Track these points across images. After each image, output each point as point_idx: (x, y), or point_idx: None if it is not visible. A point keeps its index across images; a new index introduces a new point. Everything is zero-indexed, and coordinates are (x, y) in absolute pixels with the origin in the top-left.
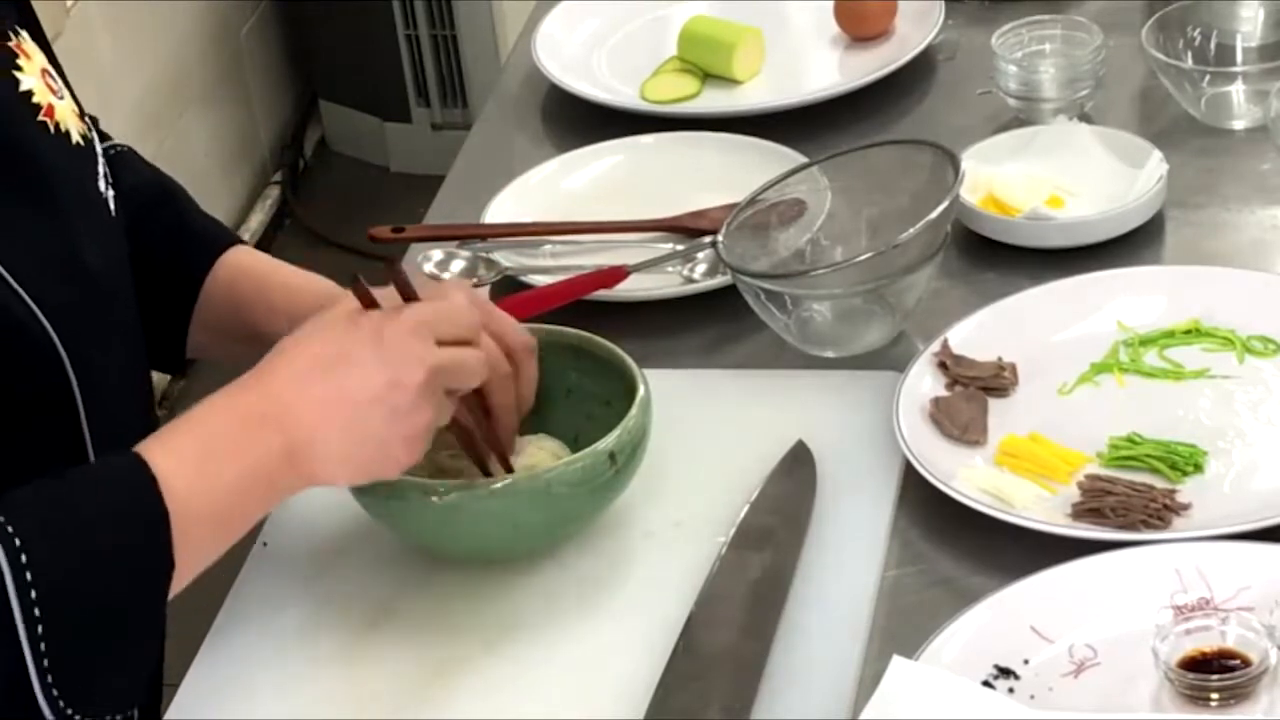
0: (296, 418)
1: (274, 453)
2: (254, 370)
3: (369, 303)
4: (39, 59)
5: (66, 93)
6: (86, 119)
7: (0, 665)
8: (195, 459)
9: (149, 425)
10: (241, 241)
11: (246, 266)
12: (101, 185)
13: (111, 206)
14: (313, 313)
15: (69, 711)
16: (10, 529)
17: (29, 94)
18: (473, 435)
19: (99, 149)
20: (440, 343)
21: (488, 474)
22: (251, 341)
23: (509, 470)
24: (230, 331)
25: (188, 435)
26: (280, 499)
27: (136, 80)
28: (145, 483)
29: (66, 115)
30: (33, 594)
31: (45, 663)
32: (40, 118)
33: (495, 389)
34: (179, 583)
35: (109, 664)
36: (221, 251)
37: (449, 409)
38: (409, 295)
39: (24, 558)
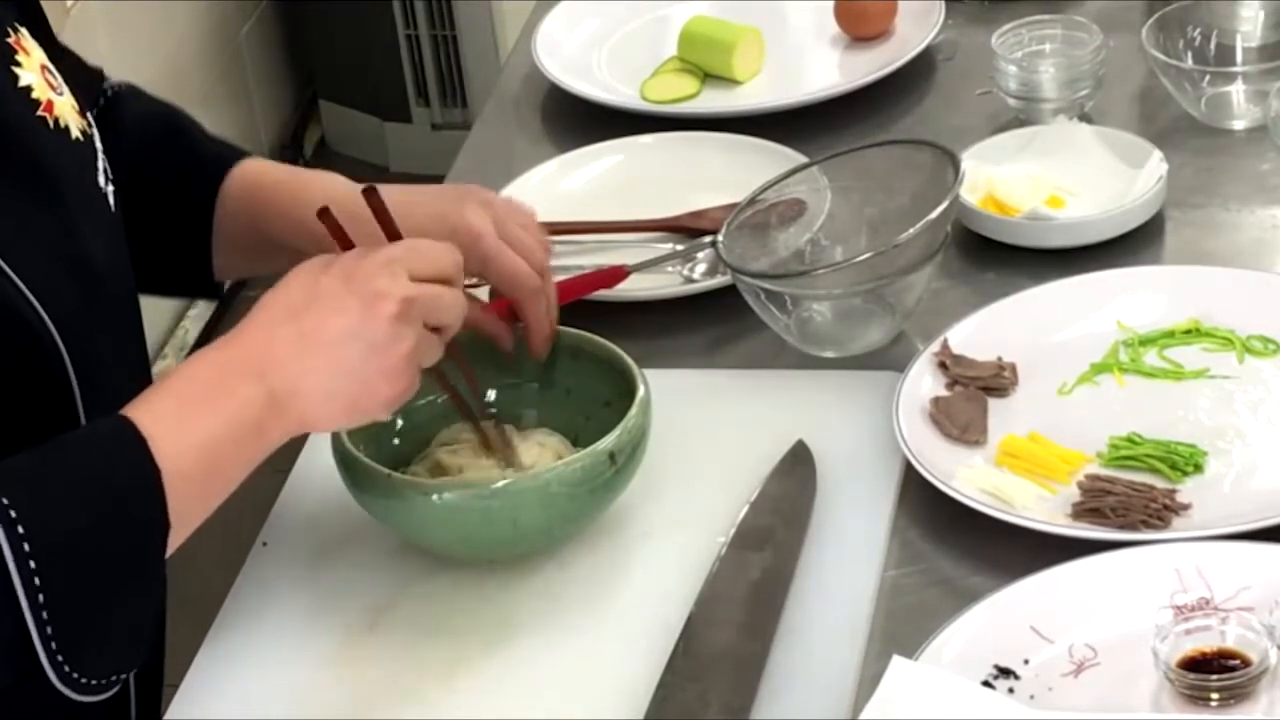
0: (274, 363)
1: (256, 401)
2: (234, 328)
3: (344, 240)
4: (38, 55)
5: (66, 89)
6: (87, 116)
7: (2, 631)
8: (178, 415)
9: None
10: (250, 154)
11: (257, 177)
12: (101, 180)
13: (111, 201)
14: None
15: (72, 673)
16: (4, 499)
17: (28, 89)
18: (455, 391)
19: (99, 145)
20: (416, 279)
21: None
22: (272, 252)
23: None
24: (250, 245)
25: (169, 394)
26: (272, 446)
27: (136, 80)
28: (134, 442)
29: (66, 111)
30: (31, 562)
31: (47, 629)
32: (40, 113)
33: (526, 302)
34: (175, 539)
35: (109, 624)
36: (230, 167)
37: (435, 347)
38: (389, 229)
39: (20, 527)
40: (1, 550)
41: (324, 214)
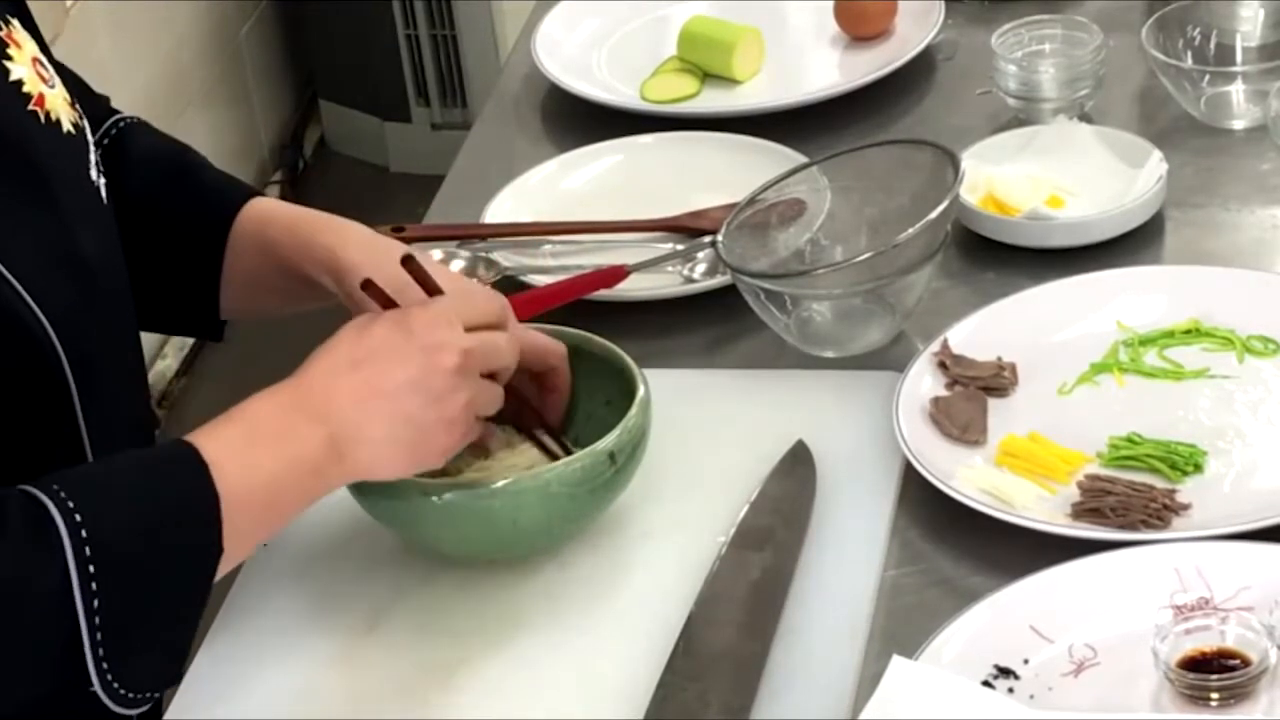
0: (337, 410)
1: (317, 444)
2: (292, 375)
3: (387, 303)
4: (30, 48)
5: (58, 81)
6: (78, 107)
7: (58, 636)
8: (241, 447)
9: (144, 414)
10: (260, 193)
11: (270, 213)
12: (93, 174)
13: (103, 194)
14: (343, 248)
15: (114, 684)
16: (71, 504)
17: (19, 83)
18: (524, 414)
19: (90, 138)
20: (469, 329)
21: (547, 450)
22: (285, 286)
23: (562, 448)
24: (262, 280)
25: (234, 426)
26: (329, 489)
27: (136, 80)
28: (198, 466)
29: (58, 104)
30: (91, 568)
31: (98, 635)
32: (31, 107)
33: (558, 370)
34: (224, 566)
35: (156, 641)
36: (240, 205)
37: (495, 394)
38: (430, 288)
39: (84, 533)
40: (65, 556)
41: (368, 285)
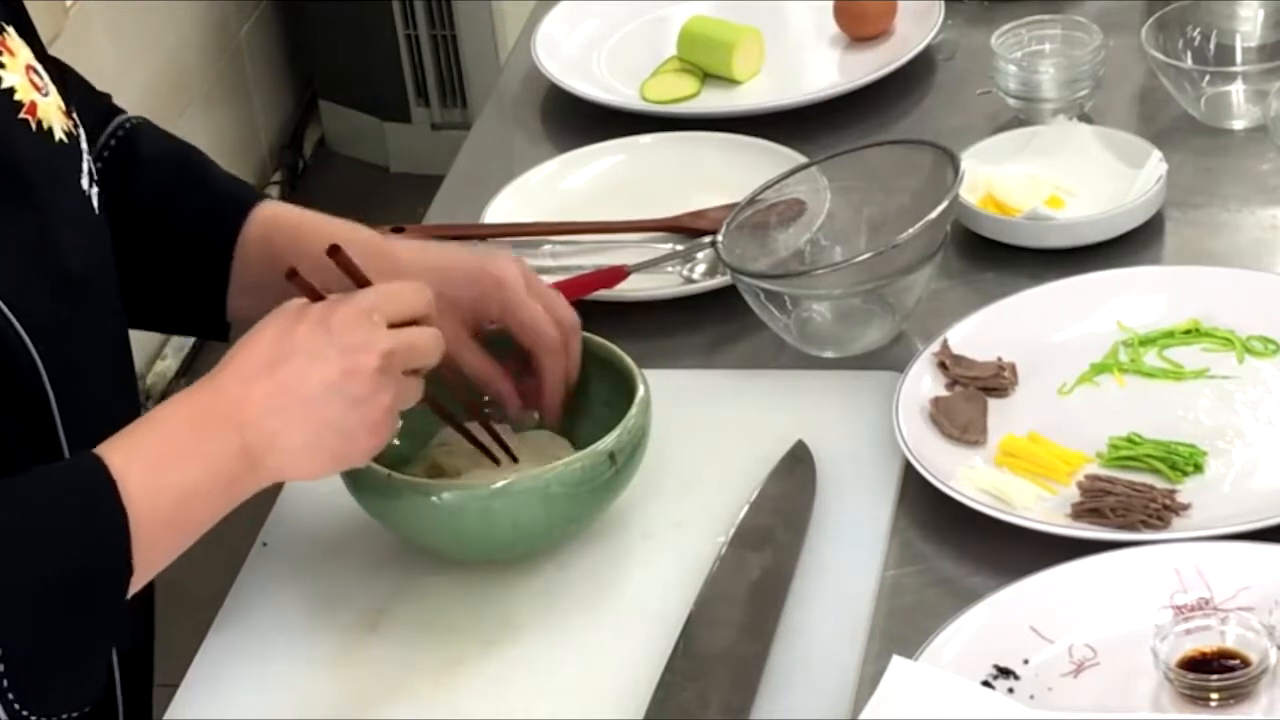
0: (251, 417)
1: (231, 453)
2: (208, 374)
3: (314, 296)
4: (24, 55)
5: (53, 89)
6: (74, 115)
7: None
8: (152, 461)
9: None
10: (266, 196)
11: (276, 219)
12: (85, 183)
13: (95, 203)
14: (357, 254)
15: (24, 713)
16: None
17: (10, 91)
18: (449, 413)
19: (84, 146)
20: (392, 325)
21: (486, 452)
22: (290, 293)
23: (497, 457)
24: (269, 286)
25: (145, 437)
26: (244, 497)
27: (136, 80)
28: (104, 484)
29: (50, 113)
30: None
31: (3, 668)
32: (21, 115)
33: (544, 359)
34: (137, 583)
35: (66, 665)
36: (249, 209)
37: (414, 388)
38: (358, 279)
39: None
40: None
41: (334, 251)
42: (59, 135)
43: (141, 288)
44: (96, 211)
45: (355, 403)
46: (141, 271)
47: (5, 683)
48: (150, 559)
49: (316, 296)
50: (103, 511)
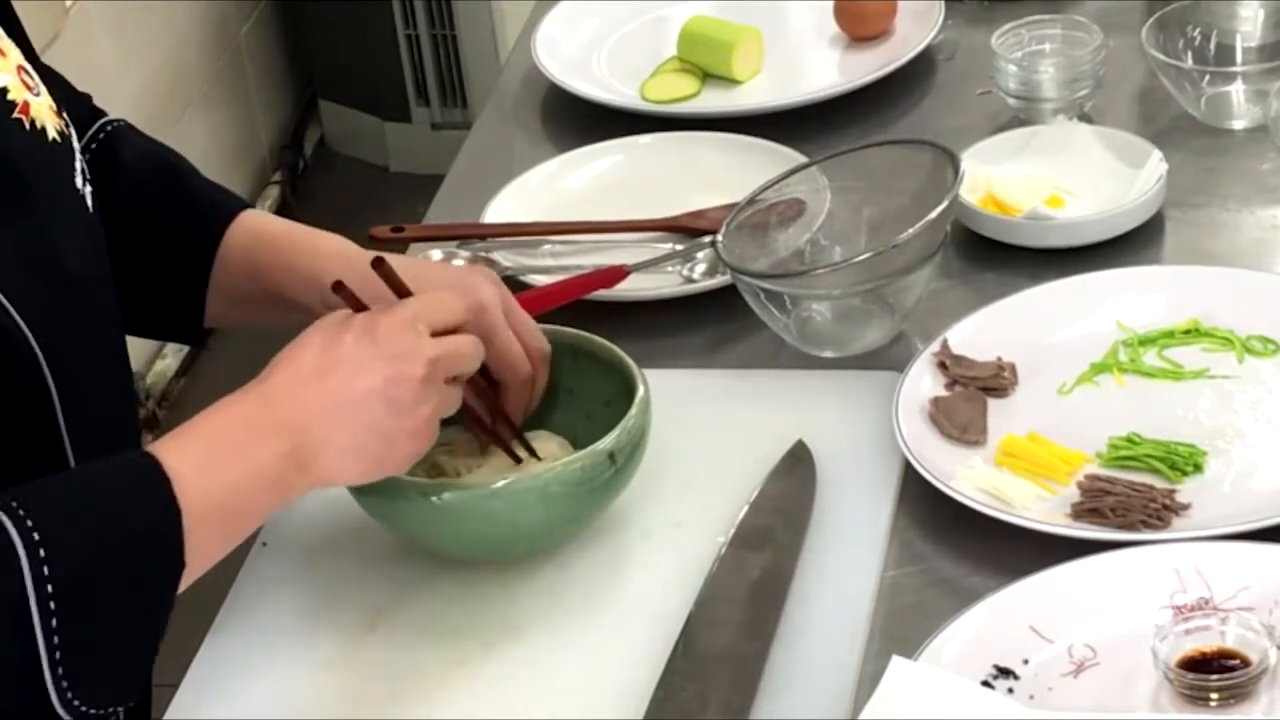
0: (300, 421)
1: (280, 455)
2: (256, 379)
3: (358, 306)
4: (14, 55)
5: (44, 89)
6: (65, 115)
7: (15, 654)
8: (204, 460)
9: (130, 423)
10: (250, 205)
11: (260, 230)
12: (79, 182)
13: (89, 203)
14: (331, 271)
15: (74, 701)
16: (30, 521)
17: (3, 91)
18: (481, 418)
19: (76, 145)
20: (434, 333)
21: (510, 453)
22: (272, 306)
23: (520, 456)
24: (249, 297)
25: (196, 437)
26: (292, 499)
27: (135, 80)
28: (159, 480)
29: (43, 112)
30: (49, 586)
31: (56, 654)
32: (15, 115)
33: (512, 388)
34: (186, 580)
35: (116, 656)
36: (231, 218)
37: (454, 397)
38: (399, 289)
39: (42, 551)
40: (23, 575)
41: (339, 288)
42: (52, 135)
43: (120, 289)
44: (90, 210)
45: (400, 409)
46: (120, 273)
47: (60, 670)
48: (200, 557)
49: (360, 307)
50: (158, 508)
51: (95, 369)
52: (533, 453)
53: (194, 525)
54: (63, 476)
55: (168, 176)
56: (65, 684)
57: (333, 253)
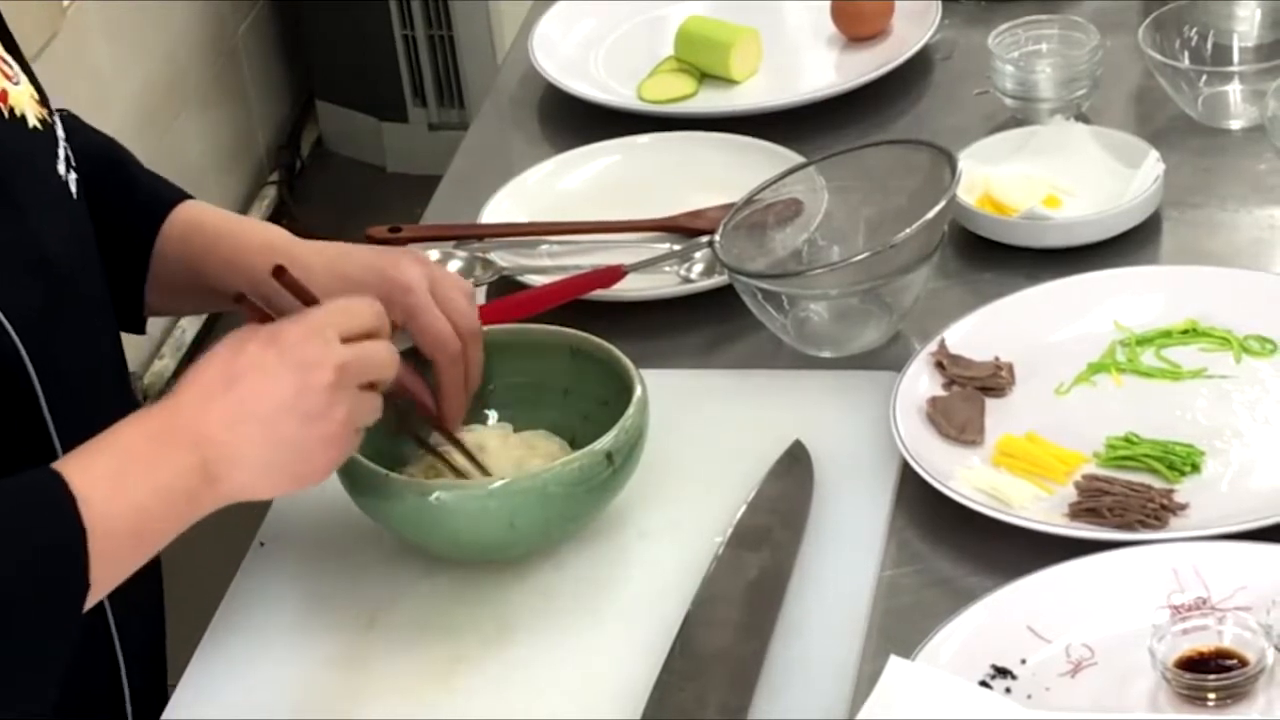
0: (208, 434)
1: (189, 471)
2: (165, 396)
3: (263, 318)
4: None
5: (24, 77)
6: (49, 104)
7: None
8: (111, 477)
9: (125, 407)
10: (189, 196)
11: (197, 222)
12: (62, 169)
13: (74, 190)
14: (258, 265)
15: None
16: None
17: None
18: (425, 403)
19: (61, 133)
20: (345, 340)
21: (444, 459)
22: (207, 296)
23: (459, 447)
24: (186, 287)
25: (104, 454)
26: (202, 514)
27: (133, 80)
28: (62, 500)
29: (22, 100)
30: None
31: None
32: None
33: (443, 367)
34: (92, 599)
35: (17, 677)
36: (169, 209)
37: (373, 403)
38: (307, 299)
39: None
40: None
41: (280, 272)
42: (33, 123)
43: None
44: (75, 198)
45: (310, 419)
46: None
47: None
48: (107, 575)
49: (264, 318)
50: (60, 526)
51: (84, 361)
52: (478, 465)
53: (100, 544)
54: None
55: (109, 167)
56: None
57: (259, 245)
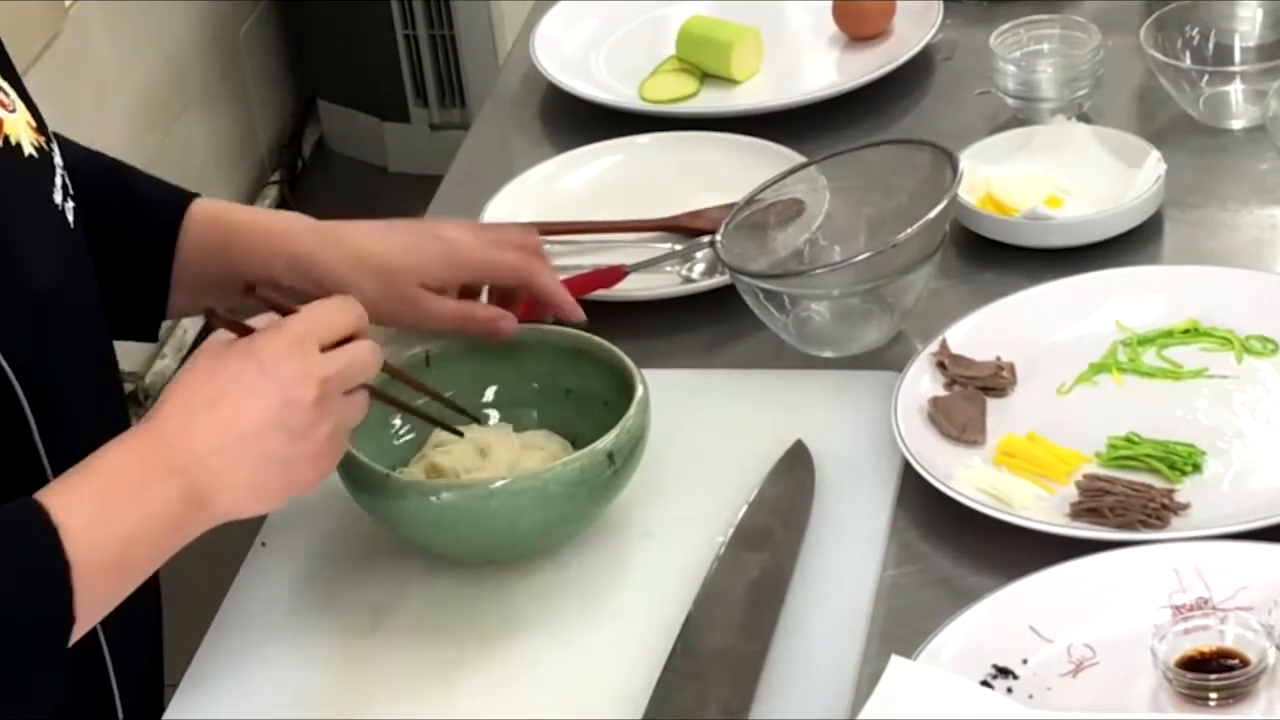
0: (193, 458)
1: (176, 498)
2: (147, 415)
3: (242, 330)
4: None
5: (20, 104)
6: (46, 131)
7: None
8: (95, 507)
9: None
10: (196, 195)
11: (212, 217)
12: (59, 197)
13: (70, 218)
14: (285, 249)
15: None
16: None
17: None
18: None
19: (59, 161)
20: (325, 347)
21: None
22: (237, 288)
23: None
24: (210, 282)
25: (87, 483)
26: (189, 538)
27: (135, 80)
28: (46, 533)
29: (18, 128)
30: None
31: None
32: None
33: (532, 278)
34: (79, 630)
35: (7, 713)
36: (184, 209)
37: (358, 406)
38: (283, 310)
39: None
40: None
41: (249, 290)
42: (28, 151)
43: None
44: (71, 226)
45: (295, 436)
46: None
47: None
48: (93, 606)
49: (244, 331)
50: (45, 561)
51: (75, 386)
52: (469, 414)
53: (85, 575)
54: None
55: (111, 179)
56: None
57: (280, 227)
